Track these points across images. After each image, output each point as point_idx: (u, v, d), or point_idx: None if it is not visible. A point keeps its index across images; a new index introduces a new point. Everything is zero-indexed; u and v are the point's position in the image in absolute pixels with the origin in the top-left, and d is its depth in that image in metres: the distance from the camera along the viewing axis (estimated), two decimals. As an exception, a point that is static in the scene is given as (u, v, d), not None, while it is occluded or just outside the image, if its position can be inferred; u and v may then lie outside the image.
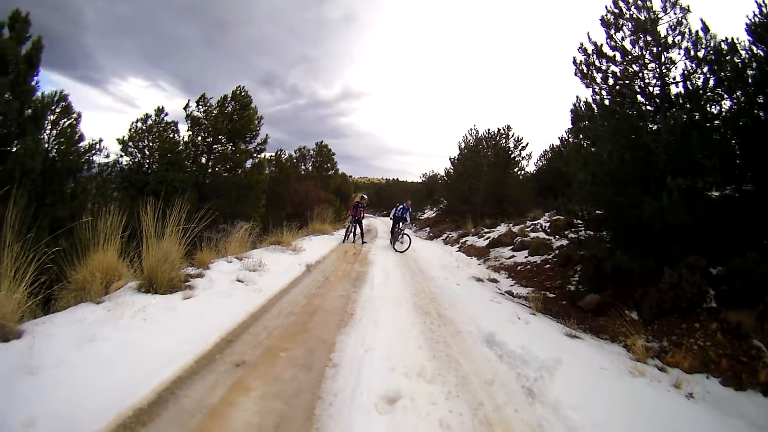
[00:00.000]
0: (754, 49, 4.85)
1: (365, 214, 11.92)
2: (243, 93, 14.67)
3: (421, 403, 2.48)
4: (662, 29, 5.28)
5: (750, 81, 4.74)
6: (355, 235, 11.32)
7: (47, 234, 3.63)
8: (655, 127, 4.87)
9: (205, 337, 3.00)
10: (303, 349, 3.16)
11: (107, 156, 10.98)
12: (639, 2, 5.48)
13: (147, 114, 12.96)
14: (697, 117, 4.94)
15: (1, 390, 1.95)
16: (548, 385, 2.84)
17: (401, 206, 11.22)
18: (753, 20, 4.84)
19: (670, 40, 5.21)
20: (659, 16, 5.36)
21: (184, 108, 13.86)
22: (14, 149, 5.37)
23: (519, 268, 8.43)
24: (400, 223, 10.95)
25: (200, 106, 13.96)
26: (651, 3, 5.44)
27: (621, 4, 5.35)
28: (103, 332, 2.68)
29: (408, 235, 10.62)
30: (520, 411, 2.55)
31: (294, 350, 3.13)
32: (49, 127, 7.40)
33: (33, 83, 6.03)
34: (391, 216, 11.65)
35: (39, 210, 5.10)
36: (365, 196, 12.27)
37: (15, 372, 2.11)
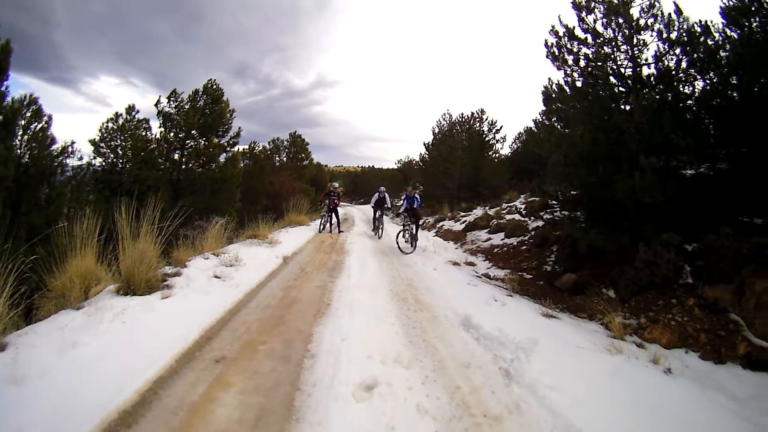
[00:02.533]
0: (728, 31, 4.93)
1: (341, 203, 11.70)
2: (214, 86, 14.54)
3: (398, 389, 2.54)
4: (635, 12, 5.33)
5: (723, 62, 4.82)
6: (331, 224, 11.17)
7: (24, 242, 3.61)
8: (628, 107, 4.94)
9: (185, 335, 3.02)
10: (281, 342, 3.19)
11: (80, 158, 10.91)
12: (611, -15, 5.50)
13: (117, 113, 12.83)
14: (669, 97, 5.01)
15: None
16: (525, 366, 2.89)
17: (404, 195, 9.39)
18: (727, 3, 4.92)
19: (642, 22, 5.25)
20: (631, -2, 5.40)
21: (156, 104, 13.66)
22: None
23: (495, 250, 8.48)
24: (397, 215, 9.43)
25: (171, 102, 13.76)
26: (623, -15, 5.47)
27: (593, -13, 5.37)
28: (84, 338, 2.71)
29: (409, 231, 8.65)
30: (498, 392, 2.59)
31: (272, 343, 3.16)
32: (20, 133, 7.25)
33: (2, 88, 5.91)
34: (372, 204, 10.75)
35: (15, 219, 5.02)
36: (336, 184, 11.84)
37: (1, 384, 2.15)
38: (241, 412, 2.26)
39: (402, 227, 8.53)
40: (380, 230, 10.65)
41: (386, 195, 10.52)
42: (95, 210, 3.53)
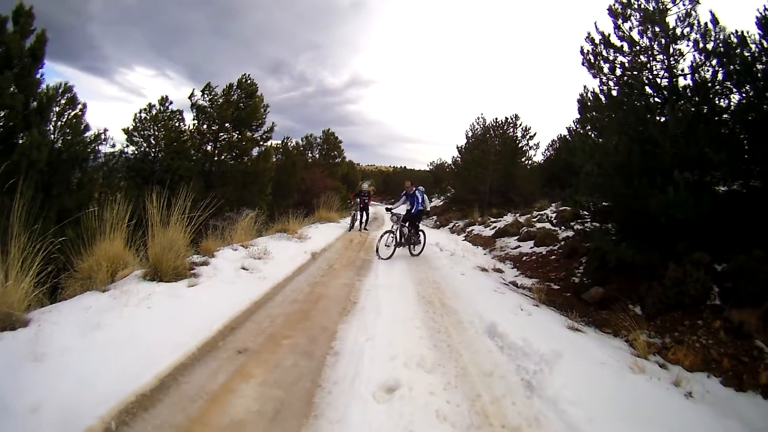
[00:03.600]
0: (765, 42, 4.77)
1: (371, 202, 11.84)
2: (249, 81, 14.56)
3: (419, 392, 2.51)
4: (671, 20, 5.20)
5: (759, 75, 4.66)
6: (361, 222, 11.39)
7: (54, 224, 3.67)
8: (663, 119, 4.81)
9: (209, 324, 3.03)
10: (305, 337, 3.19)
11: (113, 146, 11.04)
12: (647, -9, 5.37)
13: (151, 104, 12.99)
14: (705, 110, 4.86)
15: (8, 376, 1.99)
16: (547, 379, 2.83)
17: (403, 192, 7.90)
18: (764, 13, 4.76)
19: (678, 31, 5.12)
20: (668, 6, 5.28)
21: (189, 97, 13.82)
22: (20, 141, 5.42)
23: (524, 258, 8.37)
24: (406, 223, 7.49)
25: (205, 95, 13.86)
26: (659, -8, 5.34)
27: (629, -7, 5.26)
28: (108, 320, 2.74)
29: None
30: (518, 404, 2.55)
31: (296, 338, 3.16)
32: (54, 119, 7.40)
33: (38, 76, 6.06)
34: (394, 209, 8.15)
35: (45, 201, 5.16)
36: (365, 185, 12.21)
37: (21, 359, 2.15)
38: (260, 405, 2.26)
39: (391, 228, 7.27)
40: (412, 245, 7.64)
41: (424, 195, 7.77)
42: (126, 196, 3.57)
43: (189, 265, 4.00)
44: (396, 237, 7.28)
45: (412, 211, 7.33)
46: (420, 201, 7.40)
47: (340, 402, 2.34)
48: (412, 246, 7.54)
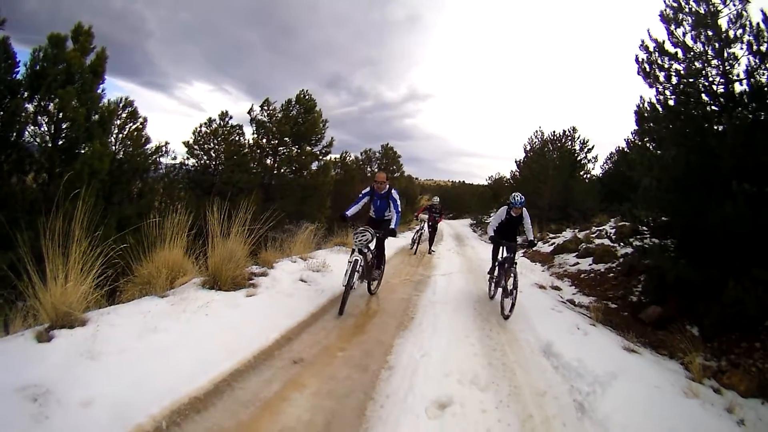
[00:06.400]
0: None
1: (442, 219, 10.61)
2: (307, 96, 14.84)
3: (471, 410, 2.49)
4: (723, 22, 4.95)
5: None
6: (430, 242, 10.29)
7: (115, 231, 3.84)
8: (721, 128, 4.56)
9: (266, 333, 3.09)
10: (360, 350, 3.21)
11: (174, 158, 11.52)
12: (697, -7, 5.14)
13: (211, 118, 13.55)
14: (762, 117, 4.57)
15: (63, 372, 2.02)
16: (600, 401, 2.77)
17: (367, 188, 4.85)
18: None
19: (731, 34, 4.86)
20: (719, 8, 5.02)
21: (249, 112, 14.30)
22: (83, 152, 5.75)
23: (582, 276, 8.17)
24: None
25: (264, 110, 14.28)
26: (709, -7, 5.10)
27: (679, -4, 5.04)
28: (165, 324, 2.80)
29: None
30: (569, 426, 2.51)
31: (351, 350, 3.19)
32: (116, 131, 7.85)
33: (99, 91, 6.43)
34: (493, 231, 5.48)
35: (107, 208, 5.44)
36: (436, 199, 10.70)
37: (78, 356, 2.18)
38: (311, 415, 2.28)
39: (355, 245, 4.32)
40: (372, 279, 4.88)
41: (525, 212, 5.49)
42: (187, 207, 3.70)
43: (248, 275, 4.06)
44: (361, 265, 4.25)
45: (392, 225, 4.47)
46: (397, 208, 4.58)
47: (391, 416, 2.34)
48: (371, 280, 4.79)
